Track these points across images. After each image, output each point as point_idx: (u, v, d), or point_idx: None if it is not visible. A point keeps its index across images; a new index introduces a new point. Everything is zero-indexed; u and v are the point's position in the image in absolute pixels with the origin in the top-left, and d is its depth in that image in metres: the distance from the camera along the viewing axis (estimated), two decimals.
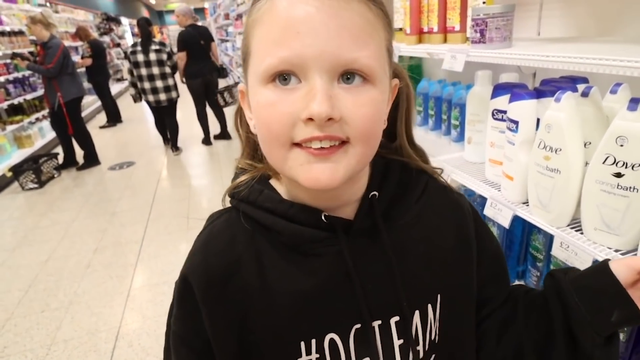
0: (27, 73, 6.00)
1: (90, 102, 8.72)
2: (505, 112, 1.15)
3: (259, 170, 0.59)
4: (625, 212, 0.84)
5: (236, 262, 0.55)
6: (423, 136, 1.94)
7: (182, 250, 3.12)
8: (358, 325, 0.55)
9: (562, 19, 1.38)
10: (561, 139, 0.91)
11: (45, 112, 6.30)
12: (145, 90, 5.24)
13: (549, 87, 1.07)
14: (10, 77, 5.71)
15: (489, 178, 1.32)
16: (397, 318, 0.56)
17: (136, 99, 5.42)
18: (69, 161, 5.32)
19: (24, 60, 4.88)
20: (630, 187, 0.81)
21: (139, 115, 8.68)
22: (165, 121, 5.61)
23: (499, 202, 1.17)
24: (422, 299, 0.58)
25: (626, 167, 0.81)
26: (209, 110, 5.73)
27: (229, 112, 5.49)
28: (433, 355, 0.59)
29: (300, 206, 0.54)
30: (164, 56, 5.19)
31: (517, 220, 1.15)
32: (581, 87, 1.00)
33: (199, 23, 5.69)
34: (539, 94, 1.05)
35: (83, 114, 5.46)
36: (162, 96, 5.28)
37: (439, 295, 0.59)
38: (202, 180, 4.77)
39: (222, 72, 5.82)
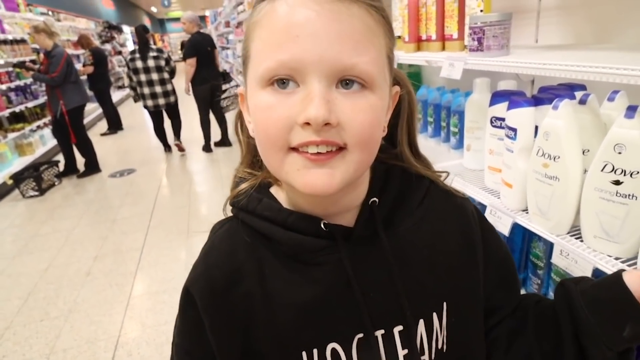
0: (28, 81, 6.04)
1: (92, 110, 8.75)
2: (503, 119, 1.15)
3: (258, 177, 0.59)
4: (625, 219, 0.83)
5: (238, 272, 0.55)
6: (423, 143, 1.93)
7: (182, 258, 3.11)
8: (360, 335, 0.54)
9: (560, 26, 1.39)
10: (559, 147, 0.91)
11: (47, 119, 6.34)
12: (144, 96, 5.39)
13: (547, 94, 1.07)
14: (12, 85, 5.74)
15: (489, 185, 1.32)
16: (400, 327, 0.55)
17: (136, 99, 5.59)
18: (70, 169, 5.33)
19: (28, 71, 4.91)
20: (629, 195, 0.81)
21: (140, 123, 8.71)
22: (170, 120, 5.77)
23: (499, 210, 1.16)
24: (426, 307, 0.57)
25: (624, 175, 0.81)
26: (212, 117, 5.81)
27: (230, 118, 5.53)
28: None
29: (299, 215, 0.54)
30: (162, 62, 5.34)
31: (517, 227, 1.15)
32: (579, 94, 1.00)
33: (202, 31, 5.78)
34: (536, 101, 1.05)
35: (84, 122, 5.49)
36: (161, 101, 5.44)
37: (445, 303, 0.58)
38: (202, 187, 4.77)
39: (226, 77, 5.90)
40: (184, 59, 5.43)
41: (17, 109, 5.74)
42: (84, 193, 4.81)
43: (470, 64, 1.20)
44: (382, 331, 0.55)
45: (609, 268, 0.85)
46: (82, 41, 7.18)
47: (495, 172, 1.26)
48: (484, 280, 0.62)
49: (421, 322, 0.56)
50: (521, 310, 0.64)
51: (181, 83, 5.72)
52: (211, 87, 5.54)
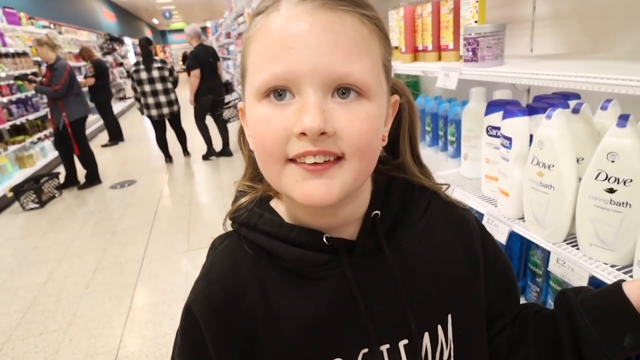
0: (30, 94, 6.08)
1: (93, 121, 8.80)
2: (499, 128, 1.16)
3: (258, 190, 0.59)
4: (619, 227, 0.84)
5: (240, 289, 0.54)
6: (421, 152, 1.94)
7: (183, 270, 3.11)
8: (365, 350, 0.53)
9: (554, 36, 1.40)
10: (553, 155, 0.92)
11: (48, 131, 6.37)
12: (148, 106, 5.54)
13: (541, 103, 1.08)
14: (14, 97, 5.78)
15: (486, 194, 1.32)
16: (406, 341, 0.55)
17: (142, 111, 5.74)
18: (71, 180, 5.34)
19: (31, 84, 4.96)
20: (623, 203, 0.82)
21: (140, 134, 8.74)
22: (173, 130, 5.95)
23: (496, 218, 1.17)
24: (431, 319, 0.57)
25: (618, 183, 0.81)
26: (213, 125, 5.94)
27: (233, 129, 5.59)
28: None
29: (301, 229, 0.53)
30: (166, 73, 5.54)
31: (515, 235, 1.15)
32: (572, 103, 1.01)
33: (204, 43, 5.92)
34: (531, 110, 1.06)
35: (85, 133, 5.52)
36: (165, 110, 5.62)
37: (449, 316, 0.57)
38: (203, 198, 4.78)
39: (229, 88, 6.03)
40: (187, 71, 5.58)
41: (18, 122, 5.78)
42: (84, 205, 4.82)
43: (465, 74, 1.22)
44: (388, 345, 0.54)
45: (605, 276, 0.85)
46: (84, 53, 7.24)
47: (492, 180, 1.27)
48: (485, 290, 0.62)
49: (426, 335, 0.56)
50: (521, 320, 0.64)
51: (184, 94, 5.83)
52: (213, 98, 5.68)
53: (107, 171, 5.86)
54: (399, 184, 0.59)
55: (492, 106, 1.21)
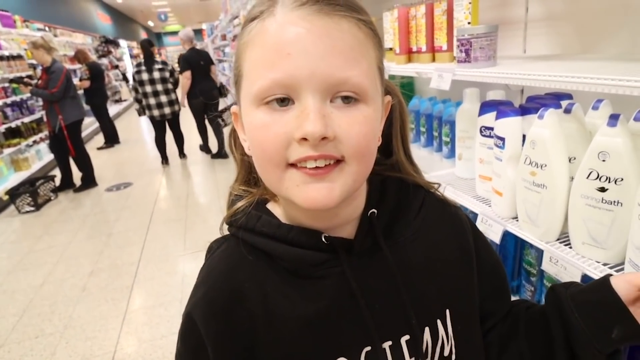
0: (25, 96, 6.06)
1: (88, 124, 8.77)
2: (492, 128, 1.17)
3: (254, 194, 0.59)
4: (611, 226, 0.84)
5: (239, 292, 0.54)
6: (416, 153, 1.93)
7: (179, 272, 3.10)
8: (368, 348, 0.54)
9: (547, 36, 1.42)
10: (545, 155, 0.93)
11: (43, 134, 6.34)
12: (150, 106, 5.62)
13: (534, 104, 1.09)
14: (9, 100, 5.75)
15: (480, 194, 1.33)
16: (407, 337, 0.55)
17: (140, 113, 5.82)
18: (66, 183, 5.32)
19: (27, 87, 4.93)
20: (614, 201, 0.83)
21: (136, 137, 8.71)
22: (172, 131, 6.02)
23: (490, 218, 1.18)
24: (430, 314, 0.57)
25: (609, 182, 0.82)
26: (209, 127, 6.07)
27: (227, 131, 5.62)
28: None
29: (300, 229, 0.54)
30: (167, 74, 5.63)
31: (509, 235, 1.16)
32: (565, 103, 1.02)
33: (197, 46, 6.02)
34: (523, 111, 1.07)
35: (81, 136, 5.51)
36: (167, 110, 5.71)
37: (447, 311, 0.58)
38: (199, 200, 4.77)
39: (222, 90, 6.08)
40: (180, 73, 5.71)
41: (13, 124, 5.75)
42: (80, 208, 4.80)
43: (458, 75, 1.23)
44: (390, 342, 0.55)
45: (598, 274, 0.86)
46: (79, 56, 7.22)
47: (485, 180, 1.27)
48: (477, 287, 0.63)
49: (426, 329, 0.57)
50: (512, 316, 0.65)
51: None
52: (204, 100, 5.77)
53: (103, 174, 5.84)
54: (393, 183, 0.60)
55: (486, 107, 1.22)
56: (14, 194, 4.70)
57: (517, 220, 1.10)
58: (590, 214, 0.87)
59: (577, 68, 0.95)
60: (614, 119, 0.79)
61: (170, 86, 5.70)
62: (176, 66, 5.88)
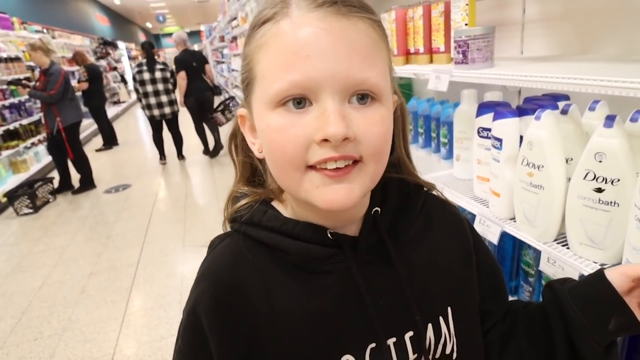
0: (23, 98, 6.05)
1: (87, 126, 8.76)
2: (489, 129, 1.17)
3: (260, 194, 0.59)
4: (608, 226, 0.85)
5: (242, 286, 0.54)
6: (414, 154, 1.92)
7: (178, 274, 3.10)
8: (373, 345, 0.54)
9: (544, 38, 1.42)
10: (543, 156, 0.93)
11: (41, 136, 6.33)
12: (150, 106, 5.72)
13: (531, 105, 1.09)
14: (7, 102, 5.74)
15: (478, 195, 1.34)
16: (411, 333, 0.56)
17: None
18: (65, 185, 5.31)
19: (25, 88, 4.92)
20: (611, 202, 0.83)
21: (134, 138, 8.71)
22: (171, 133, 6.07)
23: (488, 219, 1.18)
24: (432, 311, 0.58)
25: (606, 183, 0.82)
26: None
27: (224, 129, 5.65)
28: None
29: (306, 224, 0.54)
30: (168, 74, 5.77)
31: (507, 236, 1.16)
32: (562, 104, 1.02)
33: (196, 47, 6.14)
34: (520, 112, 1.07)
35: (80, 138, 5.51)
36: (167, 109, 5.82)
37: (449, 308, 0.59)
38: (198, 201, 4.77)
39: (216, 90, 6.24)
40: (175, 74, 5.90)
41: (11, 127, 5.74)
42: (79, 209, 4.79)
43: (455, 76, 1.23)
44: (394, 339, 0.55)
45: None
46: (77, 58, 7.21)
47: (483, 181, 1.28)
48: (477, 287, 0.64)
49: (429, 326, 0.57)
50: (511, 315, 0.66)
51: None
52: (197, 100, 5.90)
53: (102, 175, 5.83)
54: (394, 183, 0.60)
55: (483, 108, 1.22)
56: (12, 196, 4.69)
57: (515, 221, 1.10)
58: (587, 215, 0.87)
59: (574, 69, 0.96)
60: (610, 120, 0.80)
61: (170, 86, 5.81)
62: (173, 67, 5.94)
